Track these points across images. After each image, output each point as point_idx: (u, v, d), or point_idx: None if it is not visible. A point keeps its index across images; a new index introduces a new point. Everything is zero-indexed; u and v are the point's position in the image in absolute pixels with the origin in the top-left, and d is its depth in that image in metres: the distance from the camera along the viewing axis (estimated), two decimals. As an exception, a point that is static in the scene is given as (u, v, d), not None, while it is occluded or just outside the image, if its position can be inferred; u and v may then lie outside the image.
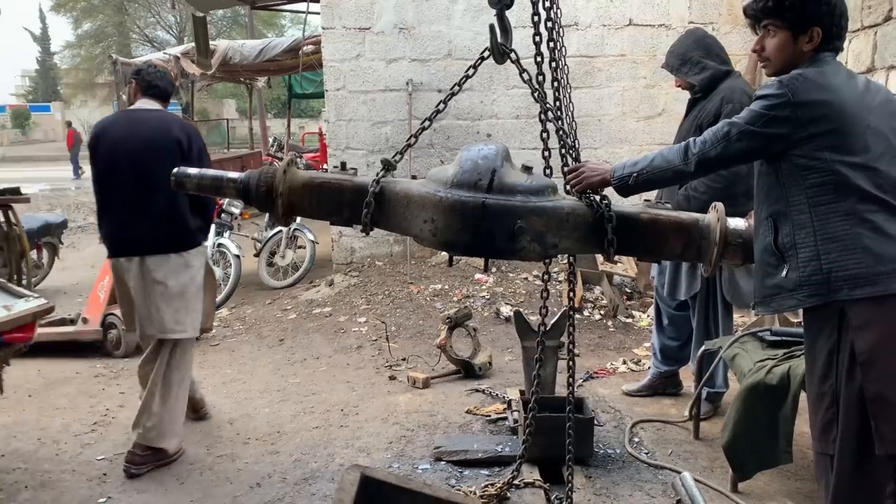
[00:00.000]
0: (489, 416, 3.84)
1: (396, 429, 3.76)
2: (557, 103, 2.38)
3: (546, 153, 2.34)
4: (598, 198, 2.22)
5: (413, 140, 2.40)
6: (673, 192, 3.56)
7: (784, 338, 3.14)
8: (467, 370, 4.52)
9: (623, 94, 6.76)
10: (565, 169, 2.32)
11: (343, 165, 2.47)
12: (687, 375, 4.12)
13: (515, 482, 2.94)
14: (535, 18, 2.26)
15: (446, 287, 6.18)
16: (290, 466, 3.37)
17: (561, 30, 2.40)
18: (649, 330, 4.85)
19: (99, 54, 30.27)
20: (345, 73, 6.75)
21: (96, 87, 34.15)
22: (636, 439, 3.60)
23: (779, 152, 2.08)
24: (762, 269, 2.17)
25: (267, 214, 7.16)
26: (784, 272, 2.09)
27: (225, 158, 13.60)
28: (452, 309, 5.09)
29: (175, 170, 2.52)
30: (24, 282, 3.25)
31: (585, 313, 5.74)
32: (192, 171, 2.54)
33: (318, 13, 7.25)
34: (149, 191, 3.29)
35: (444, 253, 6.31)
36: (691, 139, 2.20)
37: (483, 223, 2.09)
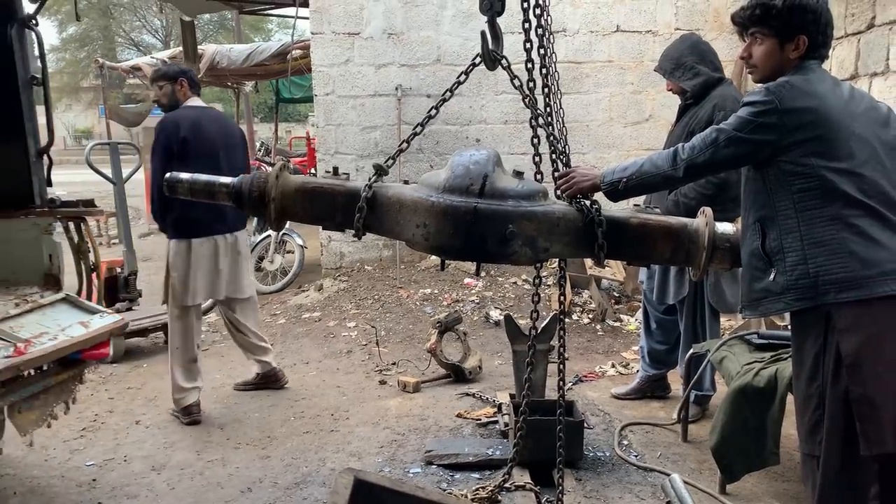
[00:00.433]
0: (479, 419, 3.85)
1: (387, 433, 3.77)
2: (548, 109, 2.41)
3: (536, 158, 2.36)
4: (588, 203, 2.25)
5: (405, 145, 2.42)
6: (663, 198, 3.59)
7: (771, 341, 3.18)
8: (457, 374, 4.53)
9: (611, 99, 6.82)
10: (556, 174, 2.35)
11: (335, 170, 2.47)
12: (675, 379, 4.16)
13: (506, 485, 2.96)
14: (526, 25, 2.28)
15: (436, 291, 6.19)
16: (281, 471, 3.37)
17: (551, 36, 2.43)
18: (637, 333, 4.89)
19: (84, 58, 30.08)
20: (334, 77, 6.77)
21: (81, 90, 33.92)
22: (625, 442, 3.63)
23: (766, 158, 2.11)
24: (750, 273, 2.20)
25: (255, 219, 7.15)
26: (772, 276, 2.12)
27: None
28: (442, 313, 5.10)
29: (167, 175, 2.53)
30: (93, 297, 3.20)
31: (574, 317, 5.78)
32: (185, 175, 2.54)
33: (306, 18, 7.26)
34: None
35: (434, 257, 6.34)
36: (680, 145, 2.23)
37: (475, 227, 2.11)
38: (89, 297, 3.14)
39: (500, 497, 2.95)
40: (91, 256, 3.17)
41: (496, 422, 3.75)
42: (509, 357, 4.17)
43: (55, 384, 2.78)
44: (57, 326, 2.80)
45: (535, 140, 2.33)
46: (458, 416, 3.93)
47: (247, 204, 2.42)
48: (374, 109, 6.77)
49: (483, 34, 2.31)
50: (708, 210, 2.32)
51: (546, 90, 2.39)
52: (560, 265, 2.61)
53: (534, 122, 2.30)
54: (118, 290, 5.61)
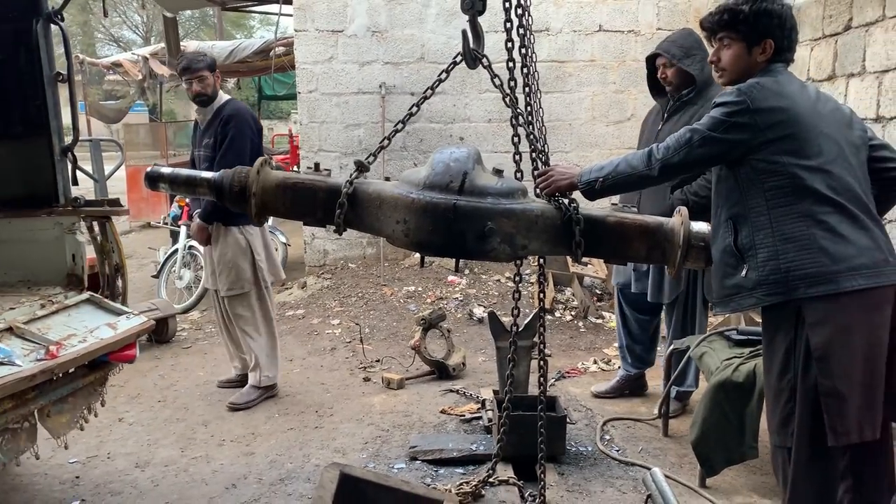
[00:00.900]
0: (463, 415, 3.88)
1: (372, 429, 3.78)
2: (529, 108, 2.44)
3: (517, 157, 2.40)
4: (566, 201, 2.28)
5: (386, 142, 2.44)
6: (664, 196, 3.54)
7: (750, 337, 3.23)
8: (441, 371, 4.56)
9: (593, 98, 6.87)
10: (535, 172, 2.38)
11: (317, 166, 2.49)
12: (654, 375, 4.21)
13: (490, 480, 3.00)
14: (508, 25, 2.32)
15: (419, 289, 6.22)
16: (265, 467, 3.38)
17: (532, 36, 2.46)
18: (619, 331, 4.92)
19: (62, 54, 29.71)
20: (317, 75, 6.76)
21: (60, 86, 33.51)
22: (607, 437, 3.67)
23: (739, 157, 2.17)
24: (721, 270, 2.26)
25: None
26: (744, 272, 2.17)
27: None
28: (426, 311, 5.12)
29: (149, 168, 2.55)
30: (118, 298, 3.15)
31: (557, 314, 5.82)
32: (166, 170, 2.57)
33: (290, 15, 7.25)
34: None
35: (416, 254, 6.35)
36: (654, 145, 2.28)
37: (454, 224, 2.14)
38: (114, 298, 3.10)
39: (483, 492, 2.98)
40: (115, 256, 3.12)
41: (480, 418, 3.78)
42: (493, 354, 4.21)
43: (83, 386, 2.76)
44: (85, 328, 2.76)
45: (516, 139, 2.36)
46: (442, 412, 3.96)
47: (228, 198, 2.43)
48: (358, 107, 6.78)
49: (464, 33, 2.34)
50: (684, 209, 2.37)
51: (527, 89, 2.43)
52: (540, 263, 2.64)
53: (514, 121, 2.33)
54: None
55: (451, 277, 6.37)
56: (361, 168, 2.35)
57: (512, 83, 2.29)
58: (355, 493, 2.32)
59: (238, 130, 3.96)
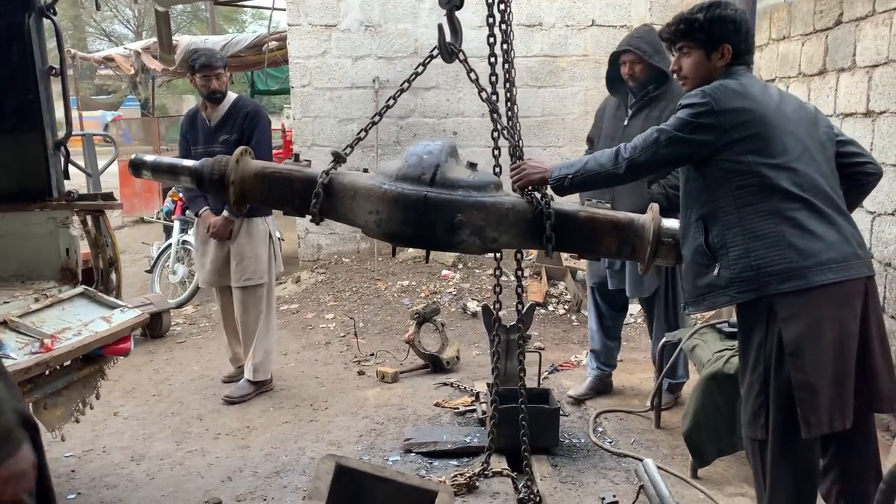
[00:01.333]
0: (457, 408, 3.91)
1: (366, 422, 3.81)
2: (509, 103, 2.48)
3: (496, 151, 2.44)
4: (538, 195, 2.31)
5: (363, 134, 2.49)
6: (643, 190, 3.55)
7: (741, 329, 3.26)
8: (435, 365, 4.58)
9: (586, 93, 6.89)
10: (510, 166, 2.42)
11: (296, 157, 2.55)
12: (647, 368, 4.24)
13: (484, 472, 3.02)
14: (490, 20, 2.34)
15: (413, 283, 6.23)
16: (260, 460, 3.40)
17: (512, 32, 2.50)
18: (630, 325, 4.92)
19: (54, 48, 29.54)
20: (311, 69, 6.76)
21: (52, 80, 33.33)
22: (600, 429, 3.70)
23: (705, 157, 2.22)
24: (694, 269, 2.30)
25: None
26: (716, 271, 2.21)
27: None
28: (420, 305, 5.14)
29: (133, 156, 2.61)
30: (112, 292, 3.15)
31: (550, 308, 5.85)
32: (149, 157, 2.64)
33: (283, 10, 7.23)
34: None
35: (411, 249, 6.37)
36: (622, 144, 2.32)
37: (424, 216, 2.18)
38: (108, 292, 3.10)
39: (477, 483, 3.00)
40: (109, 251, 3.12)
41: (474, 410, 3.80)
42: (486, 347, 4.23)
43: (78, 379, 2.77)
44: (79, 322, 2.77)
45: (495, 133, 2.40)
46: (437, 405, 3.98)
47: (207, 186, 2.50)
48: (352, 101, 6.78)
49: (440, 27, 2.38)
50: (655, 206, 2.41)
51: (507, 84, 2.47)
52: (516, 256, 2.65)
53: (494, 116, 2.37)
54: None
55: (445, 272, 6.39)
56: (338, 159, 2.40)
57: (493, 78, 2.33)
58: (351, 485, 2.35)
59: (265, 125, 4.15)
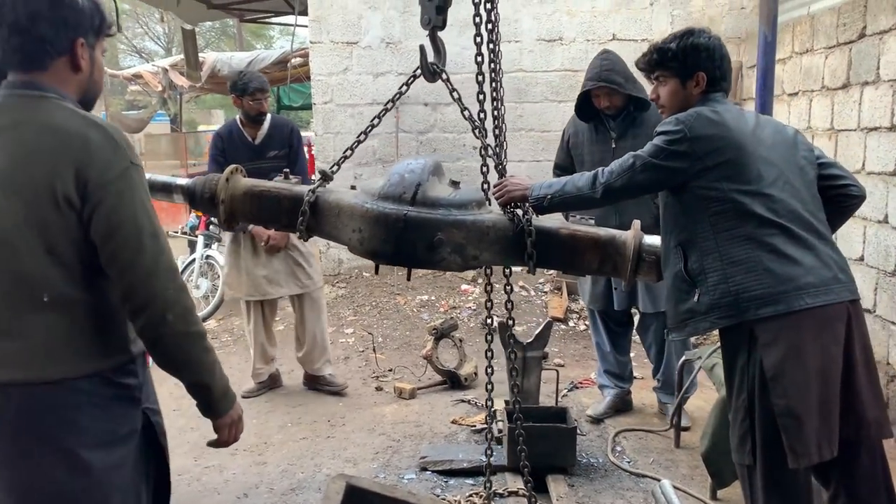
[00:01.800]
0: (474, 426, 3.89)
1: (383, 439, 3.80)
2: (496, 121, 2.49)
3: (484, 168, 2.46)
4: (520, 212, 2.33)
5: (349, 152, 2.53)
6: (646, 206, 3.52)
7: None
8: (453, 381, 4.57)
9: (607, 107, 6.85)
10: (494, 183, 2.45)
11: (286, 175, 2.59)
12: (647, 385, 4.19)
13: (500, 491, 3.00)
14: (478, 39, 2.37)
15: (433, 298, 6.24)
16: (277, 477, 3.41)
17: (499, 50, 2.52)
18: (634, 341, 4.89)
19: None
20: (332, 86, 6.82)
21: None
22: (619, 448, 3.66)
23: (681, 183, 2.22)
24: (675, 295, 2.29)
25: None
26: (696, 297, 2.20)
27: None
28: (439, 320, 5.14)
29: None
30: None
31: (570, 324, 5.81)
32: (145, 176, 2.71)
33: (306, 26, 7.33)
34: None
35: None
36: (600, 169, 2.34)
37: (405, 234, 2.21)
38: None
39: (492, 503, 2.98)
40: None
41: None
42: (505, 364, 4.20)
43: None
44: None
45: (483, 151, 2.41)
46: (454, 422, 3.97)
47: (199, 204, 2.56)
48: (372, 117, 6.81)
49: (422, 48, 2.42)
50: (637, 222, 2.41)
51: (494, 102, 2.48)
52: (504, 272, 2.61)
53: (477, 133, 2.39)
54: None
55: (464, 286, 6.39)
56: (325, 177, 2.45)
57: (481, 96, 2.36)
58: (362, 505, 2.35)
59: (300, 144, 4.50)
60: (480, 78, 2.33)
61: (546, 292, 6.29)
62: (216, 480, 3.40)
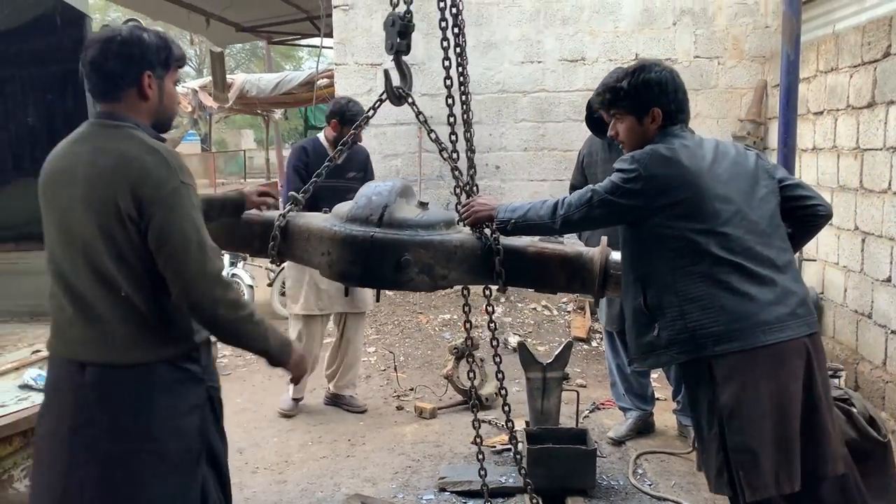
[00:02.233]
0: (495, 446, 3.87)
1: (402, 459, 3.80)
2: (468, 143, 2.53)
3: (457, 190, 2.49)
4: (488, 232, 2.34)
5: (318, 178, 2.60)
6: None
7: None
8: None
9: (630, 126, 6.84)
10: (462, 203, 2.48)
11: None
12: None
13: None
14: (446, 63, 2.42)
15: (455, 317, 6.24)
16: (296, 496, 3.42)
17: (466, 74, 2.57)
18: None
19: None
20: (357, 107, 6.89)
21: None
22: (640, 470, 3.62)
23: (637, 220, 2.23)
24: (636, 328, 2.29)
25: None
26: (655, 331, 2.20)
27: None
28: (460, 339, 5.13)
29: None
30: None
31: (594, 344, 5.77)
32: None
33: (331, 48, 7.44)
34: None
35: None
36: (561, 199, 2.34)
37: (372, 255, 2.25)
38: None
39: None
40: None
41: (510, 449, 3.75)
42: (525, 384, 4.19)
43: None
44: None
45: (457, 172, 2.45)
46: (473, 442, 3.94)
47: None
48: (396, 137, 6.89)
49: (386, 73, 2.46)
50: (604, 238, 2.42)
51: (466, 125, 2.53)
52: (484, 293, 2.61)
53: (444, 155, 2.43)
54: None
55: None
56: (295, 202, 2.51)
57: (451, 119, 2.40)
58: (377, 525, 2.35)
59: (370, 165, 4.87)
60: (450, 101, 2.40)
61: (569, 311, 6.26)
62: (236, 499, 3.39)
